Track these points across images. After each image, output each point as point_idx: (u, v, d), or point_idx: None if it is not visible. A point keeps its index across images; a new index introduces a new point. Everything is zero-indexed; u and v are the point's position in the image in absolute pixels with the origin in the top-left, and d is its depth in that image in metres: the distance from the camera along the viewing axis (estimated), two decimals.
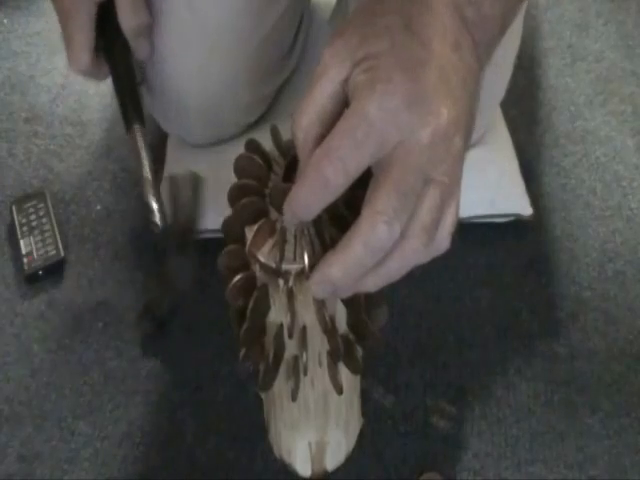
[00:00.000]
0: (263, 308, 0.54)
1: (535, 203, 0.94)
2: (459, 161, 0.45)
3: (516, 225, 0.94)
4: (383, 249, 0.44)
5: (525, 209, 0.93)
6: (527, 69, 1.14)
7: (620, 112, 1.08)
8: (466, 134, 0.45)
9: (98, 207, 1.00)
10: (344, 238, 0.45)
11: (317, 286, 0.47)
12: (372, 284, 0.47)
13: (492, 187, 0.92)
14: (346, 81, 0.44)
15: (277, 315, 0.55)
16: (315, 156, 0.44)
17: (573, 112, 1.08)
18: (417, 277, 0.47)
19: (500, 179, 0.93)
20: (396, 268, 0.46)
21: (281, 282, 0.52)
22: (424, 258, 0.46)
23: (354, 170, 0.43)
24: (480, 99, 0.48)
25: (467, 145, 0.46)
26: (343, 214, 0.49)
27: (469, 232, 0.91)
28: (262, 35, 0.87)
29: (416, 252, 0.45)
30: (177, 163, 0.97)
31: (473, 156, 0.51)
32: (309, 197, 0.44)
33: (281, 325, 0.55)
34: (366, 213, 0.43)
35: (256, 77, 0.91)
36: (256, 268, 0.54)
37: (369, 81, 0.43)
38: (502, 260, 0.92)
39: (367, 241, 0.43)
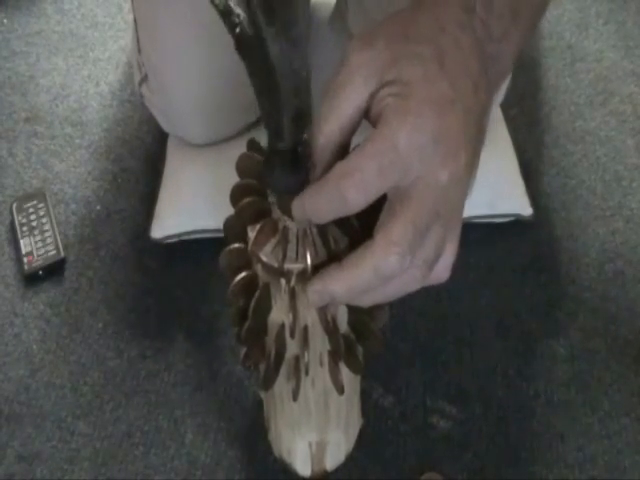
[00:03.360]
0: (265, 308, 0.54)
1: (535, 203, 0.94)
2: (464, 199, 0.47)
3: (516, 225, 0.94)
4: (391, 277, 0.45)
5: (525, 209, 0.93)
6: (527, 69, 1.14)
7: (620, 112, 1.08)
8: (473, 174, 0.47)
9: (98, 207, 1.00)
10: (354, 257, 0.46)
11: (315, 295, 0.49)
12: (366, 301, 0.49)
13: (492, 187, 0.92)
14: (372, 96, 0.45)
15: (279, 315, 0.55)
16: (337, 171, 0.44)
17: (573, 112, 1.08)
18: None
19: (500, 179, 0.93)
20: (393, 292, 0.47)
21: (283, 282, 0.52)
22: (421, 285, 0.48)
23: (374, 194, 0.44)
24: None
25: (472, 183, 0.47)
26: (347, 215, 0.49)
27: (469, 232, 0.90)
28: None
29: (415, 281, 0.47)
30: (177, 163, 0.97)
31: None
32: (325, 209, 0.45)
33: (282, 325, 0.55)
34: (381, 241, 0.44)
35: None
36: (258, 268, 0.54)
37: (400, 109, 0.43)
38: (502, 260, 0.92)
39: (378, 268, 0.44)
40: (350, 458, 0.73)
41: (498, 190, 0.92)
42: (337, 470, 0.72)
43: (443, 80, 0.44)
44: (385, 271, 0.44)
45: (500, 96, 0.93)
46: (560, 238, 0.94)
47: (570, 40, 1.19)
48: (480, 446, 0.77)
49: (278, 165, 0.48)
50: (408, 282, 0.47)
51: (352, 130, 0.46)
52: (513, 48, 0.49)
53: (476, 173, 0.48)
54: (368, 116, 0.46)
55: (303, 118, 0.46)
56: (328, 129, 0.46)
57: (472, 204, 0.89)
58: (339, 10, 0.97)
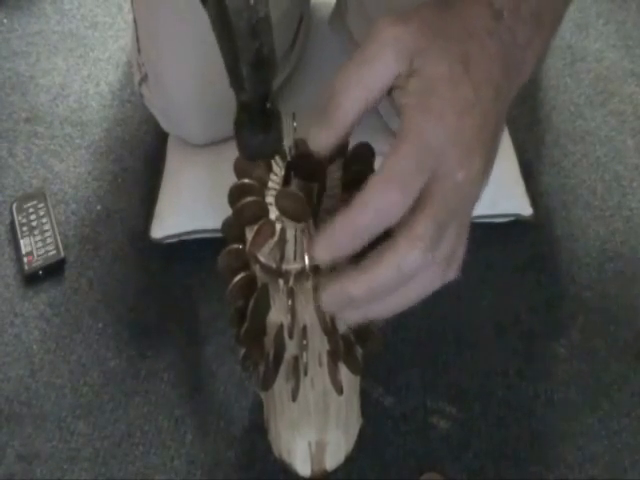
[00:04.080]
0: (263, 308, 0.54)
1: (535, 203, 0.94)
2: (475, 202, 0.48)
3: (516, 225, 0.94)
4: (411, 275, 0.44)
5: (525, 209, 0.93)
6: None
7: (620, 112, 1.08)
8: (486, 179, 0.47)
9: (98, 207, 1.00)
10: (374, 255, 0.44)
11: (330, 297, 0.47)
12: (386, 306, 0.47)
13: (492, 187, 0.91)
14: (399, 78, 0.45)
15: (277, 315, 0.55)
16: (376, 183, 0.43)
17: (573, 112, 1.08)
18: None
19: (500, 179, 0.93)
20: (415, 293, 0.46)
21: (281, 282, 0.52)
22: (437, 286, 0.47)
23: (415, 194, 0.43)
24: None
25: (484, 188, 0.48)
26: None
27: (469, 232, 0.91)
28: None
29: (434, 279, 0.46)
30: (177, 163, 0.97)
31: None
32: (369, 224, 0.44)
33: (281, 325, 0.55)
34: (404, 237, 0.43)
35: None
36: (256, 268, 0.54)
37: (422, 109, 0.44)
38: (502, 260, 0.92)
39: (401, 263, 0.44)
40: (350, 458, 0.73)
41: (498, 190, 0.92)
42: (337, 470, 0.72)
43: (466, 83, 0.44)
44: (409, 266, 0.44)
45: None
46: (560, 238, 0.94)
47: (570, 40, 1.19)
48: (480, 446, 0.77)
49: (247, 124, 0.46)
50: (429, 280, 0.46)
51: (373, 106, 0.46)
52: (536, 55, 0.49)
53: (488, 181, 0.48)
54: (390, 97, 0.46)
55: (264, 66, 0.44)
56: (354, 94, 0.45)
57: None
58: (339, 10, 0.96)
